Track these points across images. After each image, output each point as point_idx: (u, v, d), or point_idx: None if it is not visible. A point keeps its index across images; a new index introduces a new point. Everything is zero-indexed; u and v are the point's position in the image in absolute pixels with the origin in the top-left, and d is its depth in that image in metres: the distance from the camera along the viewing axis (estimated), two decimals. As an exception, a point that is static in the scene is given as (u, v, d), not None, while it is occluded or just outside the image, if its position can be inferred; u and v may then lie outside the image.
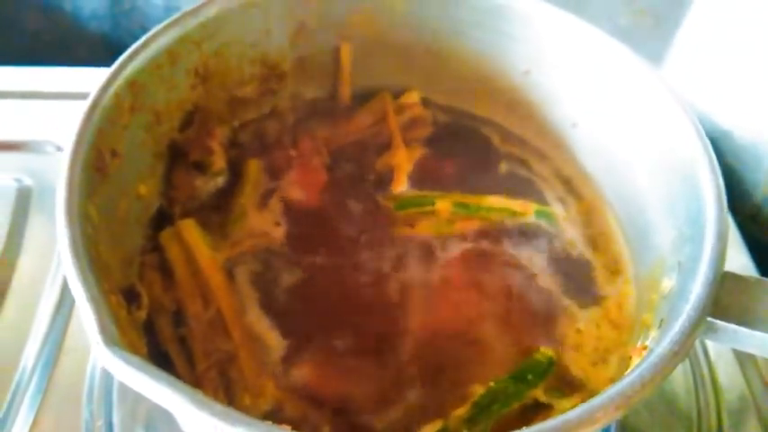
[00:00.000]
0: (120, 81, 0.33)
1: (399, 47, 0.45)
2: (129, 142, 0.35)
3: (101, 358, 0.23)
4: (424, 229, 0.40)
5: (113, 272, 0.31)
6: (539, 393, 0.33)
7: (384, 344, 0.35)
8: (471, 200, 0.41)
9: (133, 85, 0.34)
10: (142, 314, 0.33)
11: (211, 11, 0.38)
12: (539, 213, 0.41)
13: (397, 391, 0.33)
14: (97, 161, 0.31)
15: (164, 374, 0.23)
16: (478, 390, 0.33)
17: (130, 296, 0.33)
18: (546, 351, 0.35)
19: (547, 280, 0.38)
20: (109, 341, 0.24)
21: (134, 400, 0.41)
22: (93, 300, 0.25)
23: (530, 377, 0.34)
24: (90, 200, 0.30)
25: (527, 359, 0.34)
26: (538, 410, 0.33)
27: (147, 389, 0.23)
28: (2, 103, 0.58)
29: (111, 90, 0.33)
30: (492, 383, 0.33)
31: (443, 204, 0.41)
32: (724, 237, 0.29)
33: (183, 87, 0.39)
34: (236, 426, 0.22)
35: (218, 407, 0.22)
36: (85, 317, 0.24)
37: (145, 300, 0.34)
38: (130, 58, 0.34)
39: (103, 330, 0.24)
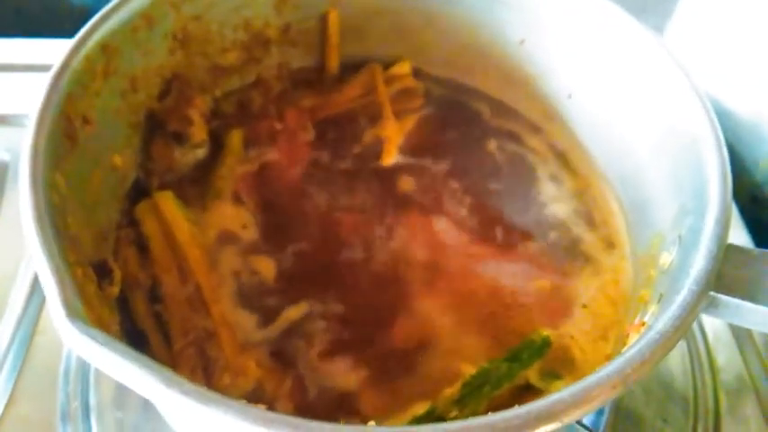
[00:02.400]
0: (91, 44, 0.32)
1: (390, 14, 0.43)
2: (102, 110, 0.33)
3: (62, 332, 0.22)
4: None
5: (84, 245, 0.29)
6: (531, 376, 0.32)
7: (373, 321, 0.34)
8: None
9: (106, 48, 0.33)
10: (115, 290, 0.31)
11: (190, -29, 0.36)
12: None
13: (384, 371, 0.32)
14: (66, 128, 0.30)
15: (131, 351, 0.21)
16: (469, 369, 0.32)
17: (103, 271, 0.31)
18: (541, 331, 0.33)
19: (542, 257, 0.37)
20: (72, 315, 0.22)
21: (112, 380, 0.39)
22: (55, 270, 0.23)
23: (524, 356, 0.32)
24: (57, 168, 0.28)
25: (522, 339, 0.33)
26: (530, 394, 0.32)
27: (111, 366, 0.21)
28: (-22, 75, 0.56)
29: (82, 53, 0.31)
30: (484, 364, 0.32)
31: None
32: (728, 209, 0.27)
33: (160, 53, 0.37)
34: (208, 405, 0.20)
35: (189, 385, 0.21)
36: (47, 288, 0.23)
37: (117, 275, 0.32)
38: (103, 19, 0.33)
39: (66, 303, 0.22)
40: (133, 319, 0.33)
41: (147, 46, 0.36)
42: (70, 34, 0.60)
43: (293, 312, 0.34)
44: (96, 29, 0.32)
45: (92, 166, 0.32)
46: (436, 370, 0.32)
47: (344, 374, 0.32)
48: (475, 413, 0.30)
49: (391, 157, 0.41)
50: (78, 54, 0.31)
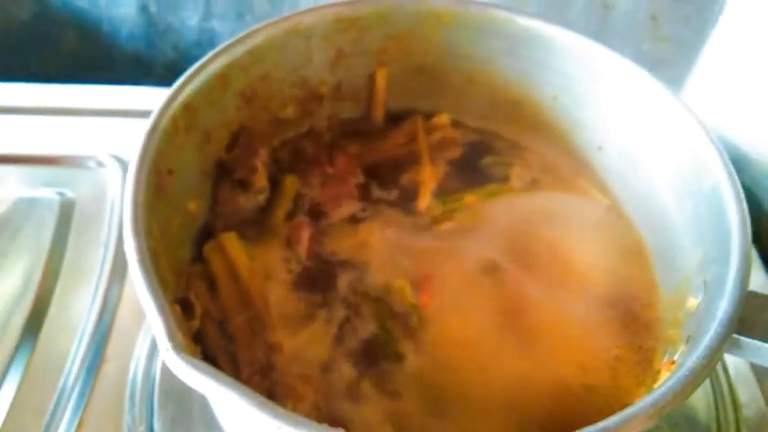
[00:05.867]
0: (176, 104, 0.36)
1: (432, 72, 0.47)
2: (182, 161, 0.37)
3: (171, 365, 0.25)
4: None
5: (170, 284, 0.33)
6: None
7: (416, 363, 0.37)
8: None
9: (188, 107, 0.37)
10: (195, 324, 0.35)
11: (258, 39, 0.40)
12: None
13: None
14: (156, 180, 0.33)
15: (229, 378, 0.25)
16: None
17: (185, 306, 0.35)
18: None
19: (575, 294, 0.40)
20: (177, 348, 0.26)
21: (175, 405, 0.42)
22: (161, 310, 0.27)
23: None
24: (152, 216, 0.32)
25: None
26: None
27: (214, 392, 0.25)
28: (45, 119, 0.61)
29: (169, 113, 0.35)
30: None
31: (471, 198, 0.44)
32: (749, 258, 0.30)
33: (230, 109, 0.41)
34: (298, 427, 0.24)
35: (281, 409, 0.24)
36: (155, 326, 0.26)
37: (198, 310, 0.35)
38: (186, 83, 0.37)
39: (172, 338, 0.26)
40: (205, 349, 0.36)
41: (221, 103, 0.40)
42: (124, 80, 0.65)
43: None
44: (180, 91, 0.36)
45: (173, 212, 0.36)
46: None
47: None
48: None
49: (426, 200, 0.44)
50: (166, 114, 0.35)
